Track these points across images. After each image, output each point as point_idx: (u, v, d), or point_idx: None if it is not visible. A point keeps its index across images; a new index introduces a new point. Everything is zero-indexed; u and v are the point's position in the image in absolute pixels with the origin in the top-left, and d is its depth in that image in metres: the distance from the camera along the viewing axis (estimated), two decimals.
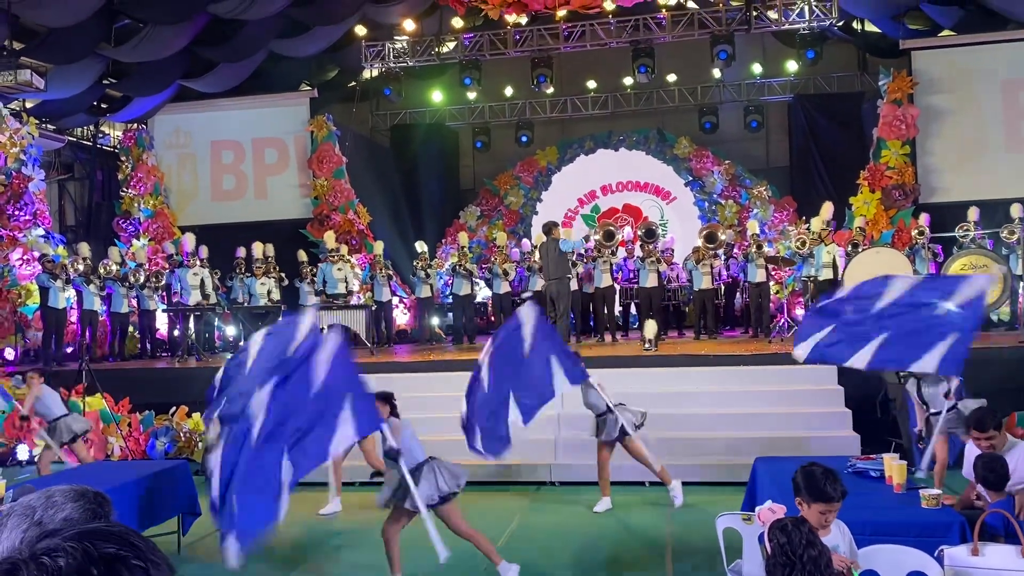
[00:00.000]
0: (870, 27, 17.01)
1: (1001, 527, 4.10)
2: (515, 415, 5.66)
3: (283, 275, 14.20)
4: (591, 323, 14.26)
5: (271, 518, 4.27)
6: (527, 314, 6.13)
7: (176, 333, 13.75)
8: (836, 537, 3.67)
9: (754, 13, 15.13)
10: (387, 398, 5.57)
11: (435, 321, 15.52)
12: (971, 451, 4.97)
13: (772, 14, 15.15)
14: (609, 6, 14.74)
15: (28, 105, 15.11)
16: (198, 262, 13.84)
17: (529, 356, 5.88)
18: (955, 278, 5.64)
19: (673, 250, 15.13)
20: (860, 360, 5.53)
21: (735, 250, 14.72)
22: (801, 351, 5.91)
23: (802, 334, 6.04)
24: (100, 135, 18.13)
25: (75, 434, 8.44)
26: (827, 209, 12.92)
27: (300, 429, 4.40)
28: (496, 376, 5.76)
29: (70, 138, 17.14)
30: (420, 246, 14.95)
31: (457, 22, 16.41)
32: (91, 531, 1.11)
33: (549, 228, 11.91)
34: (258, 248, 14.35)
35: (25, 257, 13.58)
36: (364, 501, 7.74)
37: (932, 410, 6.48)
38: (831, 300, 6.00)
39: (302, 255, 14.78)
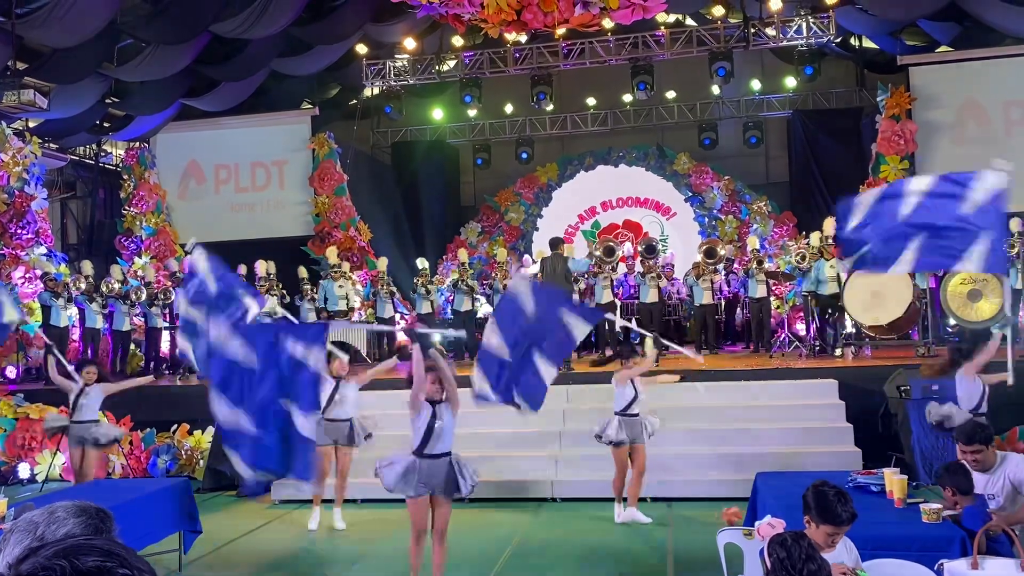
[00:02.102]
0: (868, 43, 17.13)
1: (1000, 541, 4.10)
2: (544, 365, 5.62)
3: (284, 292, 14.22)
4: (592, 338, 14.26)
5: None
6: (518, 284, 6.02)
7: (178, 351, 13.75)
8: (841, 553, 3.66)
9: (752, 30, 15.23)
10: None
11: (436, 338, 15.50)
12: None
13: (770, 31, 15.25)
14: (608, 24, 14.83)
15: (31, 124, 15.20)
16: None
17: (537, 315, 5.76)
18: (966, 175, 5.56)
19: (673, 265, 15.15)
20: (904, 265, 5.64)
21: (735, 265, 14.74)
22: (846, 263, 6.08)
23: (847, 251, 6.10)
24: (102, 154, 18.23)
25: (96, 440, 8.13)
26: (829, 224, 12.94)
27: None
28: (510, 339, 5.68)
29: (72, 157, 17.24)
30: (421, 263, 14.98)
31: (457, 40, 16.52)
32: (71, 546, 1.12)
33: (556, 243, 11.93)
34: (261, 266, 14.37)
35: (27, 275, 13.62)
36: (362, 518, 7.74)
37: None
38: (863, 217, 5.94)
39: (302, 272, 14.81)
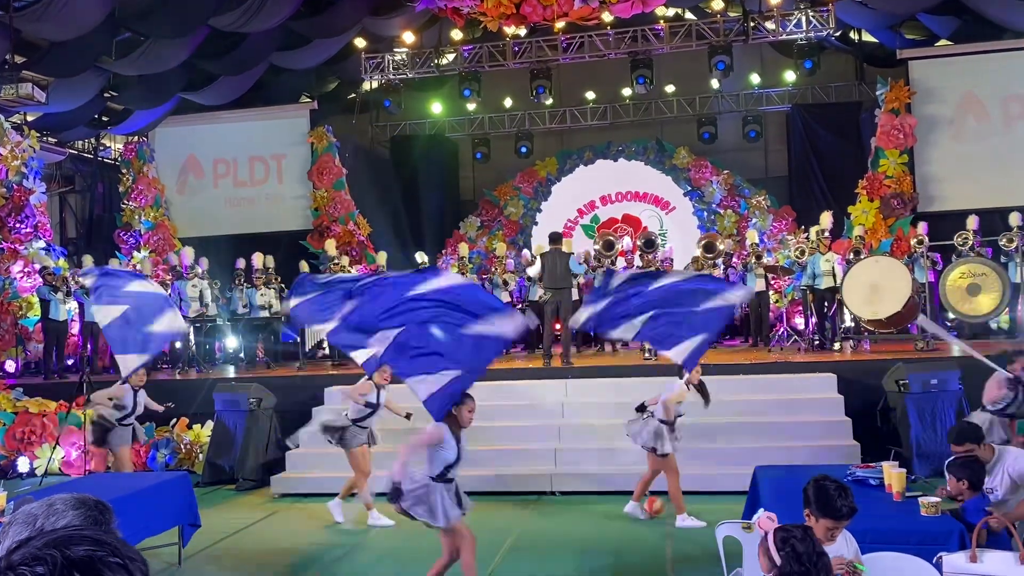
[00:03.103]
0: (867, 37, 17.10)
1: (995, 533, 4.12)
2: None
3: (283, 286, 14.21)
4: (592, 332, 14.26)
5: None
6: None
7: (177, 345, 13.75)
8: (841, 546, 3.66)
9: (751, 24, 15.22)
10: None
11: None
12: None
13: (769, 25, 15.23)
14: (607, 18, 14.82)
15: (29, 118, 15.17)
16: (197, 273, 13.86)
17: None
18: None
19: (672, 259, 15.12)
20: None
21: (734, 259, 14.73)
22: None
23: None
24: (101, 148, 18.20)
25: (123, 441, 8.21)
26: (826, 218, 12.95)
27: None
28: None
29: (71, 151, 17.21)
30: (420, 257, 14.98)
31: (456, 34, 16.50)
32: (62, 536, 1.12)
33: (556, 238, 11.93)
34: (258, 259, 14.37)
35: (26, 269, 13.61)
36: (360, 512, 7.75)
37: None
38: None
39: (304, 266, 14.80)
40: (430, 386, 4.92)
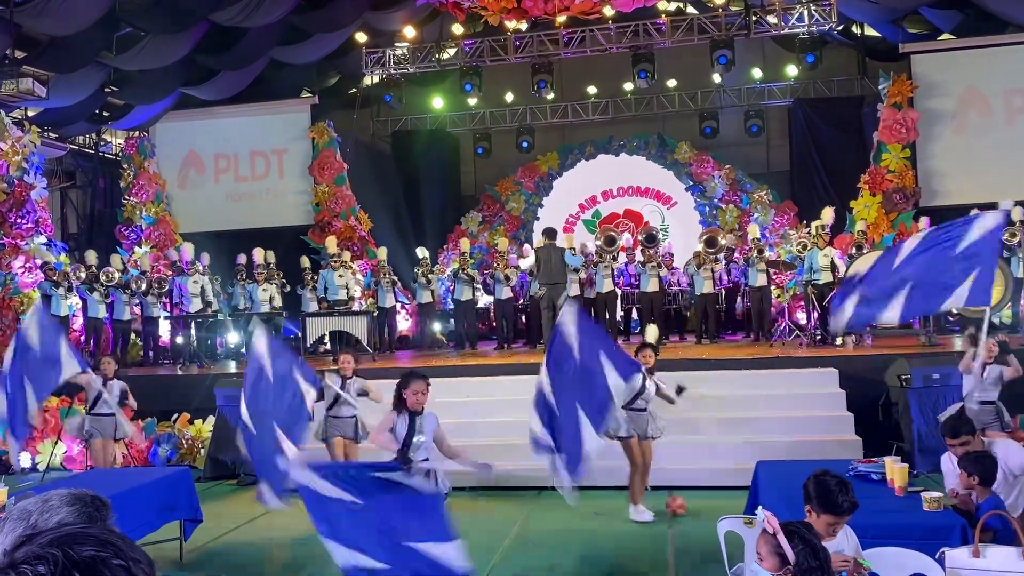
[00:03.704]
0: (870, 31, 17.04)
1: (998, 527, 4.10)
2: (588, 429, 5.12)
3: (284, 281, 14.21)
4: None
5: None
6: (568, 316, 5.51)
7: (179, 340, 13.76)
8: (842, 541, 3.65)
9: (753, 18, 15.17)
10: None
11: (437, 327, 15.53)
12: (946, 461, 5.02)
13: (771, 19, 15.18)
14: (609, 12, 14.79)
15: (30, 113, 15.16)
16: (198, 269, 13.85)
17: (579, 358, 5.32)
18: (962, 222, 5.56)
19: (672, 255, 15.11)
20: (892, 314, 5.56)
21: (736, 254, 14.71)
22: (835, 322, 6.01)
23: (834, 308, 6.02)
24: (102, 143, 18.19)
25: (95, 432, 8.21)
26: (827, 213, 12.91)
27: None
28: (558, 389, 5.28)
29: (72, 146, 17.20)
30: (421, 252, 14.97)
31: (457, 28, 16.46)
32: (67, 535, 1.10)
33: (552, 233, 11.92)
34: (259, 254, 14.37)
35: (27, 265, 13.61)
36: None
37: None
38: (854, 280, 5.94)
39: (305, 261, 14.81)
40: None
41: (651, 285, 13.37)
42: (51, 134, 16.06)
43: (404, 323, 16.01)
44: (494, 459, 8.74)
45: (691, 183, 18.47)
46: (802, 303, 13.65)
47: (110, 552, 1.09)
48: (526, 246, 16.22)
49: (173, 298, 13.79)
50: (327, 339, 13.66)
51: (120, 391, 8.35)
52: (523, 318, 15.04)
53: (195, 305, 13.37)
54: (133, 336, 13.93)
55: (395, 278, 14.84)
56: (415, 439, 5.39)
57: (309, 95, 18.12)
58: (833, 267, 11.96)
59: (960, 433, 4.84)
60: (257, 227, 16.64)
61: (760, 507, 3.76)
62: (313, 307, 13.98)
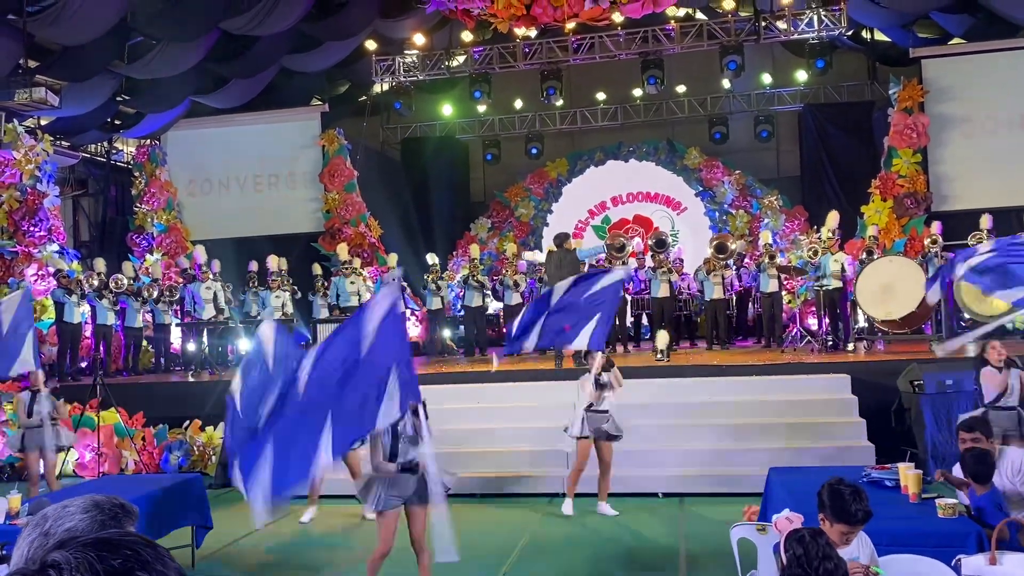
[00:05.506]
0: (880, 36, 17.00)
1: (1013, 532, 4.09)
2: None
3: (296, 288, 14.25)
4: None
5: (302, 477, 4.46)
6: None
7: (191, 347, 13.80)
8: (856, 549, 3.63)
9: (763, 23, 15.16)
10: None
11: (446, 333, 15.52)
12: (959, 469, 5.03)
13: (781, 24, 15.17)
14: (618, 18, 14.78)
15: (43, 122, 15.27)
16: (210, 276, 13.90)
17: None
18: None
19: (682, 260, 15.07)
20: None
21: (746, 260, 14.66)
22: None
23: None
24: (114, 151, 18.30)
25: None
26: (832, 218, 12.85)
27: (344, 396, 4.25)
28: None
29: (84, 154, 17.31)
30: (431, 258, 14.98)
31: (467, 36, 16.49)
32: (100, 541, 1.10)
33: (563, 238, 11.91)
34: (273, 261, 14.41)
35: (40, 272, 13.68)
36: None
37: None
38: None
39: (317, 268, 14.84)
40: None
41: (662, 290, 13.34)
42: (63, 142, 16.16)
43: (414, 330, 16.01)
44: (506, 466, 8.78)
45: (701, 189, 18.44)
46: (813, 309, 13.59)
47: (138, 564, 1.10)
48: (536, 252, 16.19)
49: (185, 305, 13.83)
50: None
51: (51, 403, 8.44)
52: None
53: (207, 312, 13.41)
54: (145, 343, 13.98)
55: (405, 284, 14.85)
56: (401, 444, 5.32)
57: (319, 103, 18.18)
58: (843, 273, 11.90)
59: (975, 428, 4.91)
60: (267, 234, 16.70)
61: (787, 509, 3.75)
62: (324, 314, 14.01)
